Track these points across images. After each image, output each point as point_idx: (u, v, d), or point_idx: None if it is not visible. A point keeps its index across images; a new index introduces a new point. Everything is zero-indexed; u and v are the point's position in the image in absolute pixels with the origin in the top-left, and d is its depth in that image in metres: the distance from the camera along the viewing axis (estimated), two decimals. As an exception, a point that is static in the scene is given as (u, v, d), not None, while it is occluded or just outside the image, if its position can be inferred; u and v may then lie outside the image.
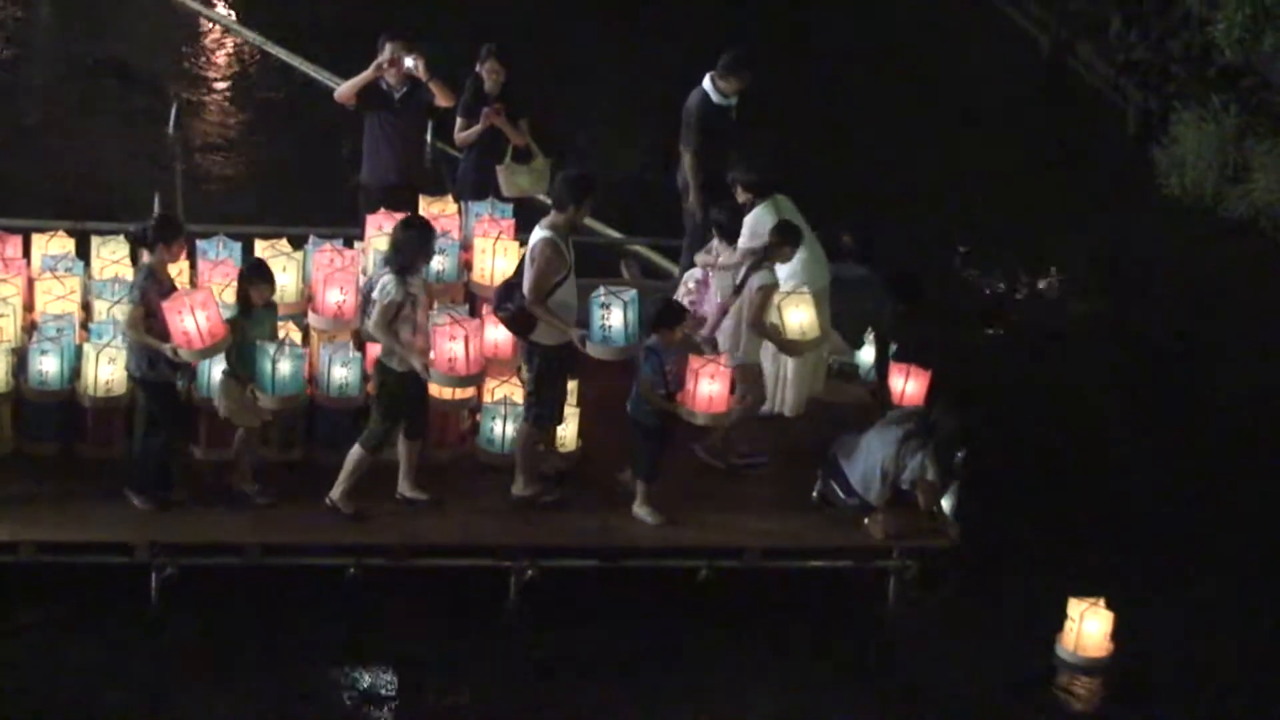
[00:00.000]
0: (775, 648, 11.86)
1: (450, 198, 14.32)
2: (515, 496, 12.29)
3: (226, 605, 11.72)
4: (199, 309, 11.48)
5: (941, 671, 11.92)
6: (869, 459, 12.20)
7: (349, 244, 13.50)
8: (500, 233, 13.49)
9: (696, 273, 13.08)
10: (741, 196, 13.23)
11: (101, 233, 13.74)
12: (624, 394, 12.33)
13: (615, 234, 16.18)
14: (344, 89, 14.40)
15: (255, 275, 12.01)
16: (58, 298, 12.76)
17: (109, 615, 11.58)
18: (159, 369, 11.69)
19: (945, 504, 12.42)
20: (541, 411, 12.22)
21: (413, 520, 12.07)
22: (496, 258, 13.32)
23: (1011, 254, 15.45)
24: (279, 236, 13.49)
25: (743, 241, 12.96)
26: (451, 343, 12.03)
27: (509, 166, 14.36)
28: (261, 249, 13.20)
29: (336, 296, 12.69)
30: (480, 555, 12.05)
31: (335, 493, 12.01)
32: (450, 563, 12.02)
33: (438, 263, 13.19)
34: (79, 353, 12.27)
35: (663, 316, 12.02)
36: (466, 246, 13.62)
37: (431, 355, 11.94)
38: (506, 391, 12.58)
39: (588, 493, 12.49)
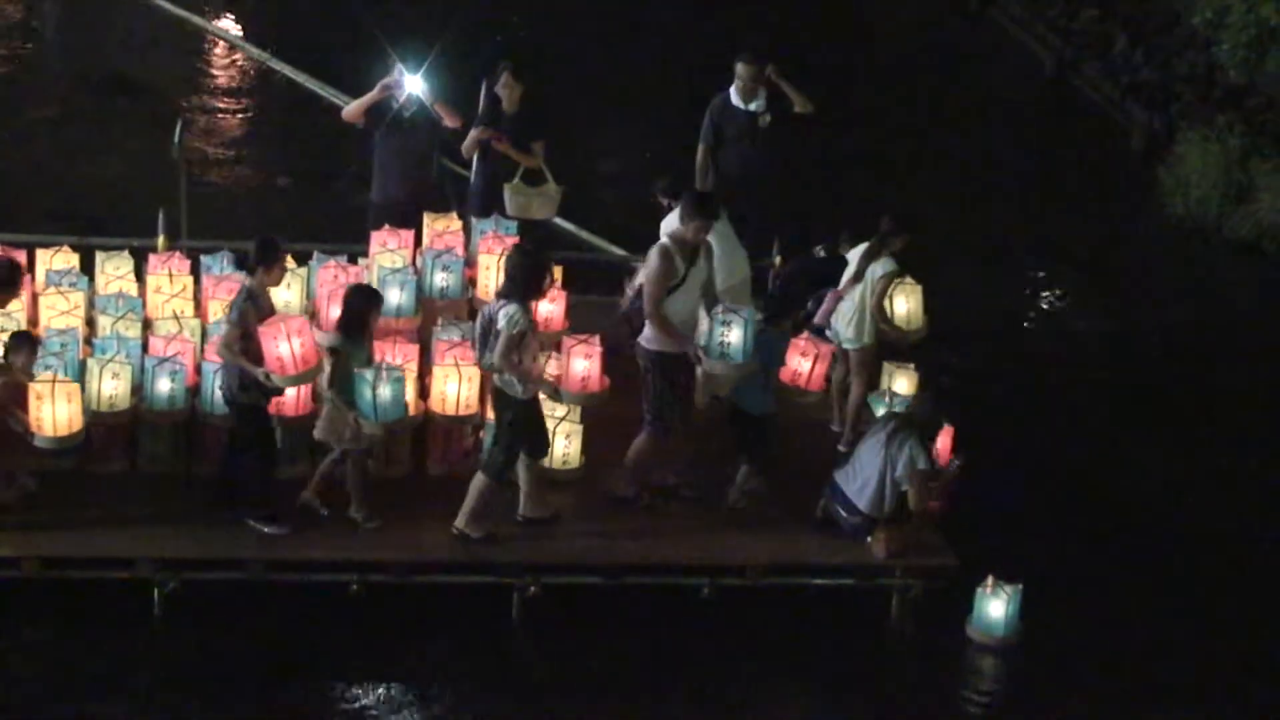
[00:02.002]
0: (777, 666, 11.83)
1: (455, 215, 14.34)
2: (610, 494, 12.43)
3: (229, 621, 11.71)
4: (294, 335, 11.48)
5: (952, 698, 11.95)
6: (864, 472, 12.19)
7: (353, 260, 13.51)
8: (504, 250, 13.47)
9: None
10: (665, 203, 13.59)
11: (106, 248, 13.75)
12: (627, 413, 12.43)
13: (620, 251, 16.17)
14: (352, 108, 14.43)
15: (370, 300, 11.99)
16: (62, 313, 12.76)
17: (111, 630, 11.57)
18: (250, 392, 11.67)
19: (997, 610, 12.06)
20: (664, 422, 12.30)
21: (416, 537, 12.06)
22: (501, 274, 13.31)
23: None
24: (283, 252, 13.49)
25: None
26: (587, 361, 12.09)
27: (516, 186, 14.36)
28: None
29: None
30: (483, 572, 12.04)
31: (460, 521, 12.00)
32: (453, 579, 12.01)
33: (441, 279, 13.21)
34: (83, 368, 12.26)
35: (783, 308, 12.52)
36: (471, 263, 13.62)
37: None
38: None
39: (591, 509, 12.47)
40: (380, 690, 11.35)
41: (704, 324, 12.08)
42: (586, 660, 11.73)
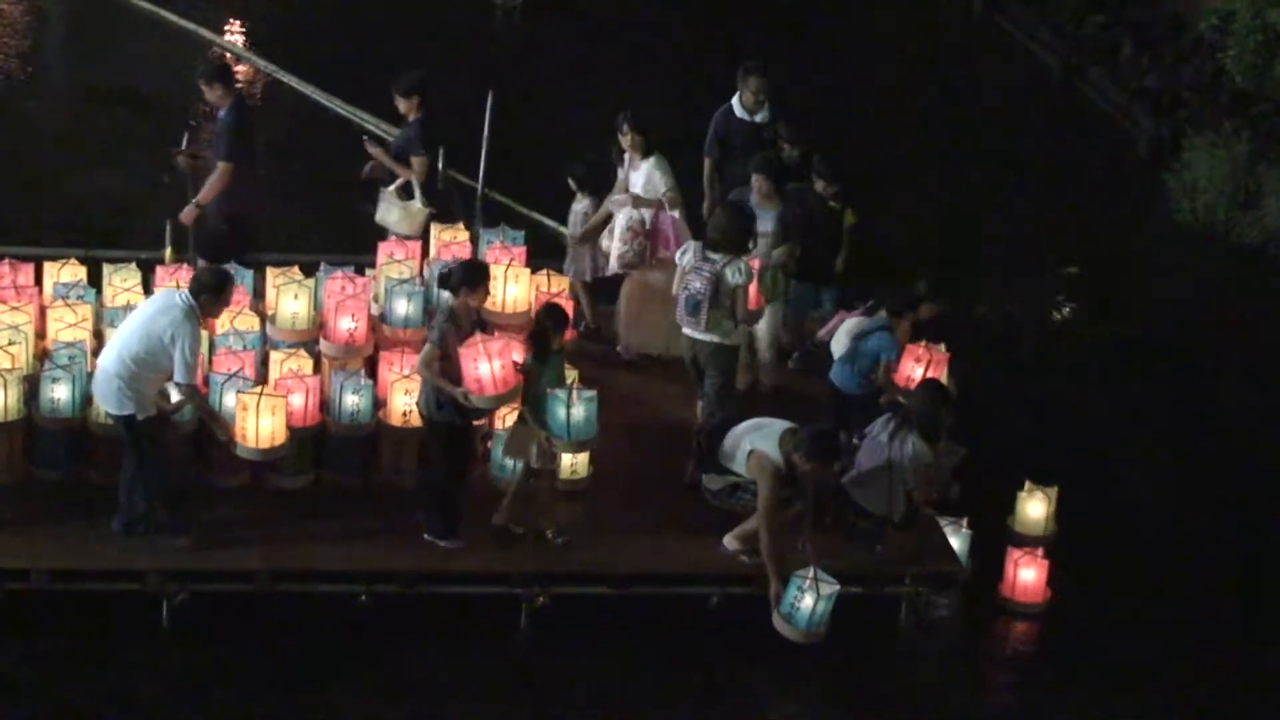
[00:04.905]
0: (786, 675, 11.82)
1: (462, 225, 14.36)
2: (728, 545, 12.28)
3: (237, 632, 11.70)
4: (495, 357, 11.55)
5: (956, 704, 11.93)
6: (868, 473, 12.21)
7: (360, 271, 13.53)
8: (512, 260, 13.50)
9: (632, 214, 14.01)
10: (631, 139, 13.99)
11: (113, 260, 13.77)
12: (631, 424, 12.70)
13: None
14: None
15: (554, 319, 12.06)
16: (69, 325, 12.78)
17: (120, 643, 11.57)
18: (446, 410, 11.75)
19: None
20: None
21: (423, 547, 12.05)
22: (508, 284, 13.34)
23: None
24: (290, 264, 13.53)
25: (637, 189, 14.00)
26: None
27: (389, 195, 14.47)
28: (273, 276, 13.22)
29: (348, 324, 12.70)
30: (491, 582, 12.04)
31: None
32: (461, 590, 12.01)
33: (449, 290, 13.23)
34: (90, 380, 12.26)
35: (906, 304, 12.87)
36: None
37: None
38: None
39: (598, 519, 12.47)
40: (388, 701, 11.33)
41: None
42: (595, 671, 11.72)
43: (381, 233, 14.44)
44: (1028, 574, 12.63)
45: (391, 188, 14.44)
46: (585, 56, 21.98)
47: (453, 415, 11.79)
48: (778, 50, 20.67)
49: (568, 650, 11.86)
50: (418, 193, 14.37)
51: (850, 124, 20.47)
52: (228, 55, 21.77)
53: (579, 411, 11.91)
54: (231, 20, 22.95)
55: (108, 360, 11.55)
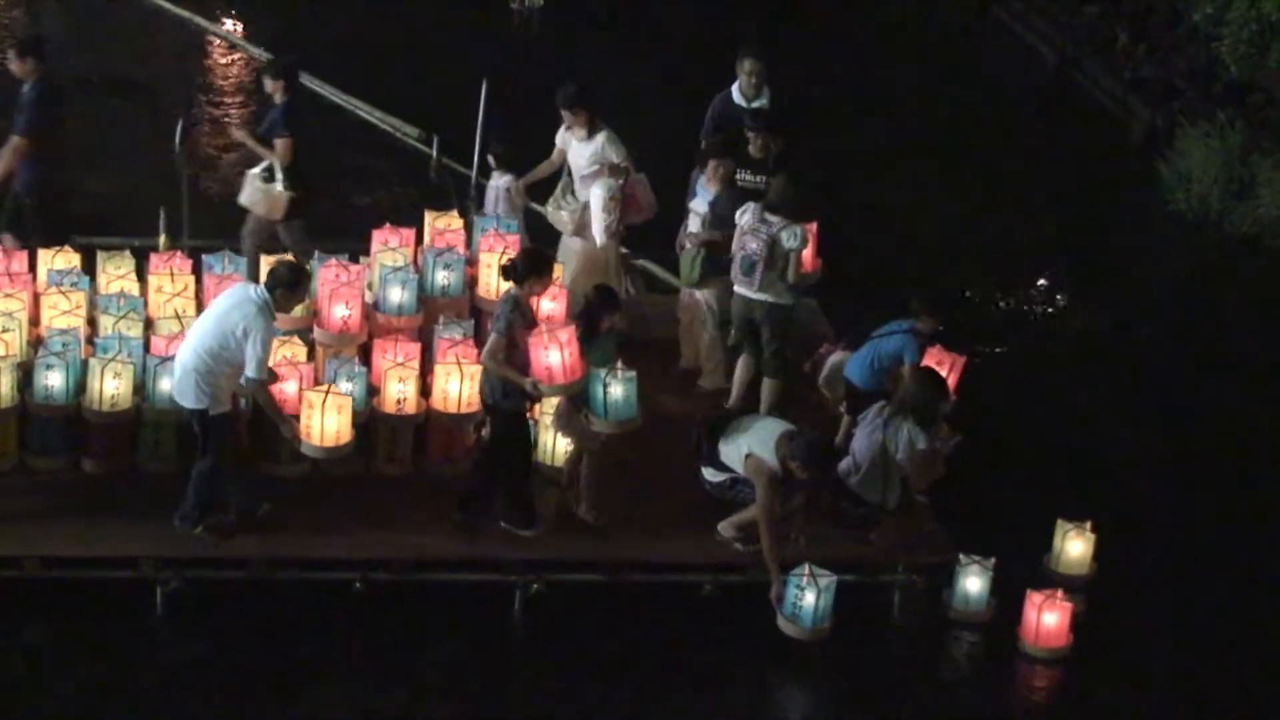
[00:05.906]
0: (779, 663, 11.82)
1: (456, 212, 14.37)
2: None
3: (231, 619, 11.70)
4: (565, 346, 11.59)
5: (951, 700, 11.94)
6: (860, 459, 12.23)
7: (354, 259, 13.52)
8: (506, 248, 13.49)
9: (610, 185, 14.02)
10: (572, 116, 14.04)
11: (107, 248, 13.76)
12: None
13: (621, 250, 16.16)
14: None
15: (607, 302, 12.15)
16: (63, 313, 12.78)
17: (113, 630, 11.57)
18: (512, 399, 11.80)
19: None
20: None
21: (417, 534, 12.06)
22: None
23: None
24: (284, 252, 13.51)
25: (587, 167, 14.03)
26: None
27: (252, 177, 14.43)
28: (266, 264, 13.21)
29: (342, 311, 12.70)
30: (486, 570, 12.05)
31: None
32: (456, 577, 12.01)
33: (443, 277, 13.23)
34: (84, 367, 12.27)
35: (937, 306, 12.92)
36: (472, 262, 13.63)
37: None
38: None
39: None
40: (381, 688, 11.34)
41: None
42: (588, 658, 11.72)
43: (376, 221, 14.43)
44: (1050, 618, 11.98)
45: (255, 169, 14.43)
46: (600, 56, 21.92)
47: (519, 403, 11.85)
48: (783, 41, 20.63)
49: (561, 638, 11.86)
50: (279, 175, 14.34)
51: (837, 115, 20.46)
52: (222, 43, 21.78)
53: (617, 391, 11.95)
54: (226, 9, 22.92)
55: (184, 355, 11.58)
